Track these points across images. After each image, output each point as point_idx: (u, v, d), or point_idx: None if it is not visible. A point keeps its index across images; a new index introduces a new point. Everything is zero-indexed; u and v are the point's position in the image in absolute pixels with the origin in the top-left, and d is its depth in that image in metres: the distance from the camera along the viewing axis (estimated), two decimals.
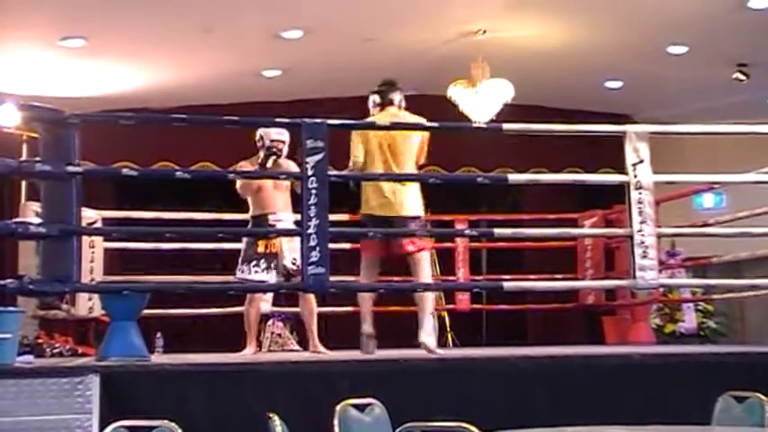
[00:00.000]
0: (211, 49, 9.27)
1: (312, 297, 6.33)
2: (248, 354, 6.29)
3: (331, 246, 4.64)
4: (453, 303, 9.52)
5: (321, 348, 6.32)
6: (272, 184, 6.34)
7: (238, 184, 6.34)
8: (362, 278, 6.05)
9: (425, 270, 5.97)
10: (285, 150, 6.38)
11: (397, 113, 6.02)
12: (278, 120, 5.70)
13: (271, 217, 6.34)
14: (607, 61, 9.91)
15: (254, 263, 6.28)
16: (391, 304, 8.98)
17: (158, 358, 5.96)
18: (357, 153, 5.87)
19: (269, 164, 6.28)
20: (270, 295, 8.78)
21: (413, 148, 5.92)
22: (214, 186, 8.72)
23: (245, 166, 6.38)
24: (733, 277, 7.37)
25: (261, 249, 6.27)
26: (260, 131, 6.42)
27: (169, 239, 7.90)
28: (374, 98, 6.19)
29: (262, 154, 6.35)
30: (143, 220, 8.08)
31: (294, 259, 6.12)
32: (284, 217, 6.36)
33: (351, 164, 5.90)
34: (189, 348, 6.63)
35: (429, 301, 6.00)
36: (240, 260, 6.38)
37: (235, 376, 4.52)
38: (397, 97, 6.09)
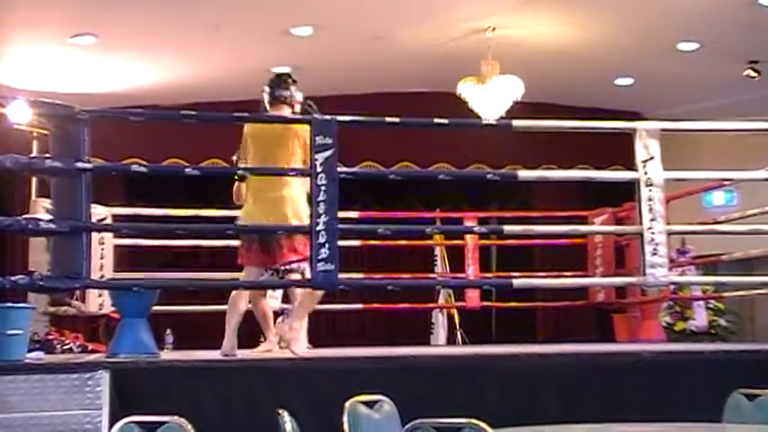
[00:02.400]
0: (221, 46, 9.29)
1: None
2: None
3: (340, 243, 4.65)
4: (463, 301, 9.51)
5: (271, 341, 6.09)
6: None
7: None
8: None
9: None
10: None
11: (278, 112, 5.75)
12: (289, 117, 5.71)
13: None
14: (617, 58, 9.89)
15: None
16: (401, 302, 9.01)
17: (168, 355, 5.97)
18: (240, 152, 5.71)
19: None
20: (279, 292, 8.80)
21: (287, 149, 5.56)
22: (224, 183, 8.72)
23: None
24: (744, 275, 7.35)
25: None
26: None
27: (179, 236, 7.91)
28: (265, 94, 5.89)
29: None
30: (153, 216, 8.09)
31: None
32: None
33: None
34: (199, 345, 6.63)
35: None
36: None
37: (244, 373, 4.52)
38: (285, 93, 5.80)
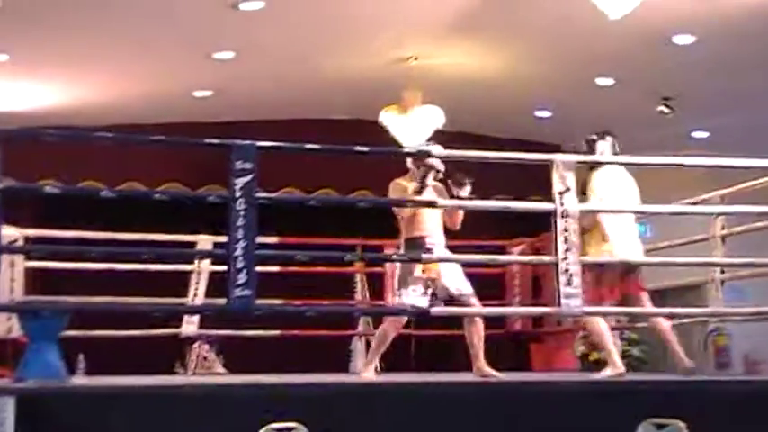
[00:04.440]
0: (142, 69, 9.19)
1: (480, 321, 6.28)
2: (368, 376, 6.15)
3: (259, 269, 4.63)
4: None
5: (491, 371, 6.23)
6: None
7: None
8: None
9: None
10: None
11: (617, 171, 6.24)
12: (208, 141, 5.65)
13: (427, 240, 6.18)
14: (537, 91, 10.07)
15: (411, 287, 6.09)
16: (320, 329, 8.97)
17: (79, 380, 5.82)
18: (599, 190, 6.04)
19: (428, 180, 6.11)
20: (196, 318, 8.69)
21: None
22: (141, 206, 8.58)
23: (401, 182, 6.21)
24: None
25: (418, 273, 6.08)
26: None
27: (93, 259, 7.75)
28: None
29: (418, 171, 6.12)
30: (67, 239, 7.91)
31: (458, 288, 6.11)
32: (438, 241, 6.24)
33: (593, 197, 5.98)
34: (115, 371, 6.48)
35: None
36: (397, 284, 6.29)
37: (157, 400, 4.43)
38: (607, 148, 6.37)
